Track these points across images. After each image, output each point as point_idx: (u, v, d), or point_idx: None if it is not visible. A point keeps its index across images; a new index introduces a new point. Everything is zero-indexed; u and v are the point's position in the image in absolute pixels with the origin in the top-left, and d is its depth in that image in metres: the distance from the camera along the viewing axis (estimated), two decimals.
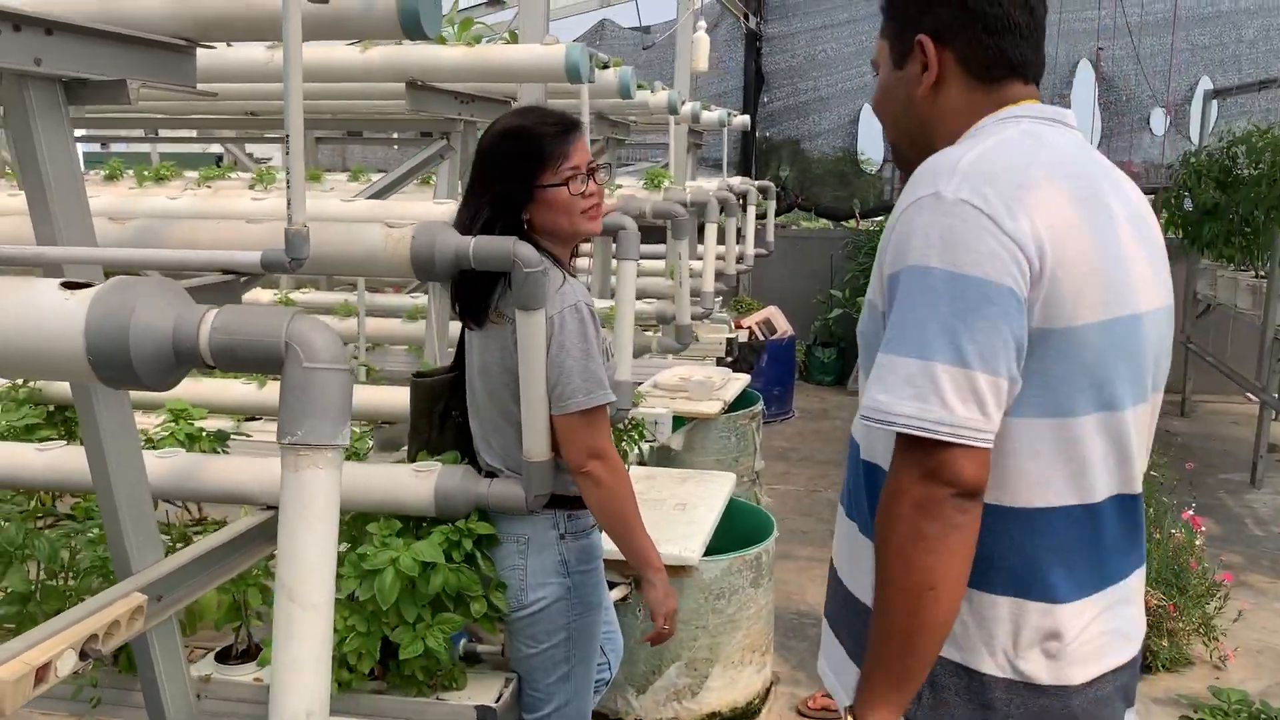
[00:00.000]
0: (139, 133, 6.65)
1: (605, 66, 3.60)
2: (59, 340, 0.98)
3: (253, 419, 4.46)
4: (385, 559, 2.02)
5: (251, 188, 3.99)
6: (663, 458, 4.81)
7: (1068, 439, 1.31)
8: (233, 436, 2.86)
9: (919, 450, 1.23)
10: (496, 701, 2.16)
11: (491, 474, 2.14)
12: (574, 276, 2.12)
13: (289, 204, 1.48)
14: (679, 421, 4.82)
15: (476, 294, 2.05)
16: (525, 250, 1.93)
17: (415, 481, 2.10)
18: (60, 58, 1.59)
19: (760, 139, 9.35)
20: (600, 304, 4.08)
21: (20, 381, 2.96)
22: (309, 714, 0.99)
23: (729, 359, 6.39)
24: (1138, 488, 1.41)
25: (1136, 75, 8.25)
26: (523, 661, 2.16)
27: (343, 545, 2.17)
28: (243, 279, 2.41)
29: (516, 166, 2.00)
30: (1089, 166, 1.37)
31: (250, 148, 7.35)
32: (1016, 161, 1.29)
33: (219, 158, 8.28)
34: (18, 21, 1.52)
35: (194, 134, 7.20)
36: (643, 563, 2.09)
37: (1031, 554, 1.33)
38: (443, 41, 2.84)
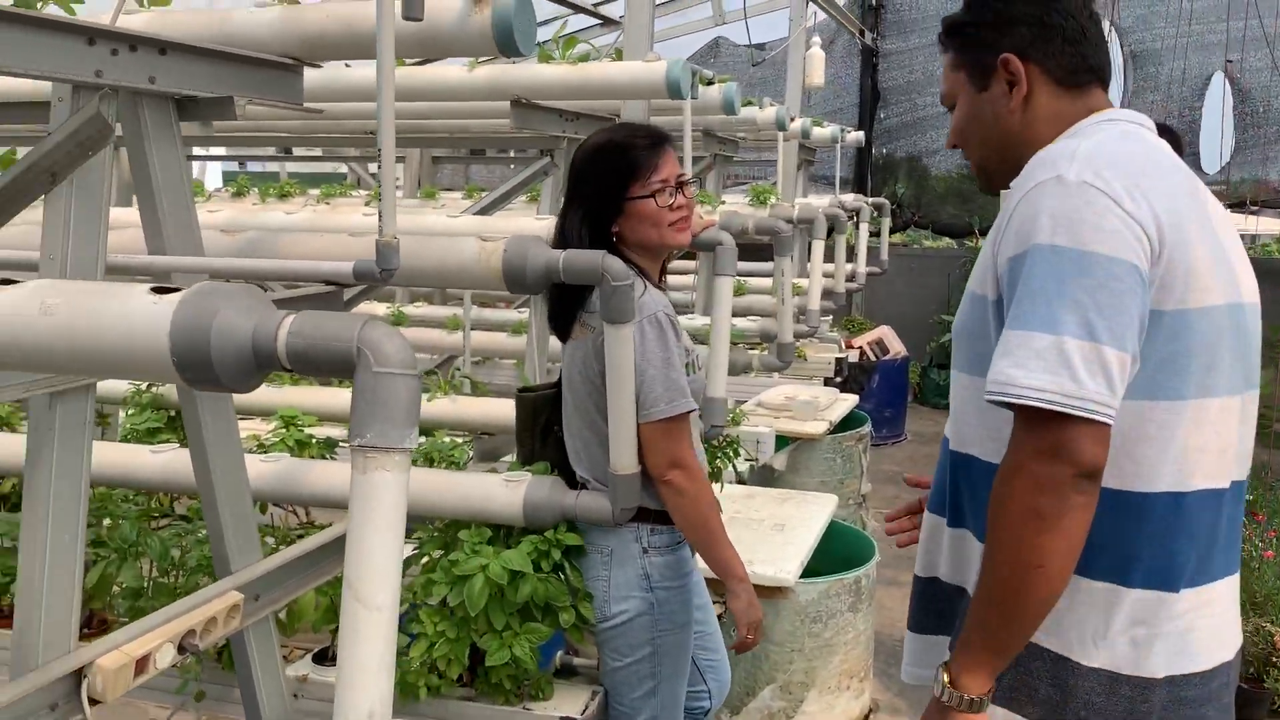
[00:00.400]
0: (271, 151, 6.96)
1: (710, 83, 3.61)
2: (147, 341, 1.03)
3: None
4: (475, 565, 2.04)
5: (367, 204, 4.12)
6: (765, 478, 4.76)
7: (1173, 423, 1.31)
8: (341, 444, 2.95)
9: (1041, 426, 1.23)
10: (581, 714, 2.16)
11: (583, 486, 2.15)
12: (662, 290, 2.12)
13: (380, 217, 1.51)
14: (782, 441, 4.77)
15: (565, 306, 2.07)
16: (614, 264, 1.94)
17: (505, 491, 2.13)
18: (173, 76, 1.67)
19: (876, 155, 9.22)
20: (701, 321, 4.07)
21: (144, 386, 3.11)
22: (371, 714, 1.00)
23: (838, 379, 6.30)
24: (1242, 479, 1.40)
25: (1275, 86, 7.86)
26: (609, 675, 2.15)
27: (437, 551, 2.21)
28: (350, 292, 2.49)
29: (606, 180, 2.02)
30: (1185, 169, 1.43)
31: (373, 166, 7.62)
32: (1131, 151, 1.36)
33: (346, 176, 8.58)
34: (134, 42, 1.60)
35: (319, 153, 7.49)
36: (726, 572, 2.07)
37: (1133, 540, 1.33)
38: (548, 59, 2.89)
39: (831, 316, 7.21)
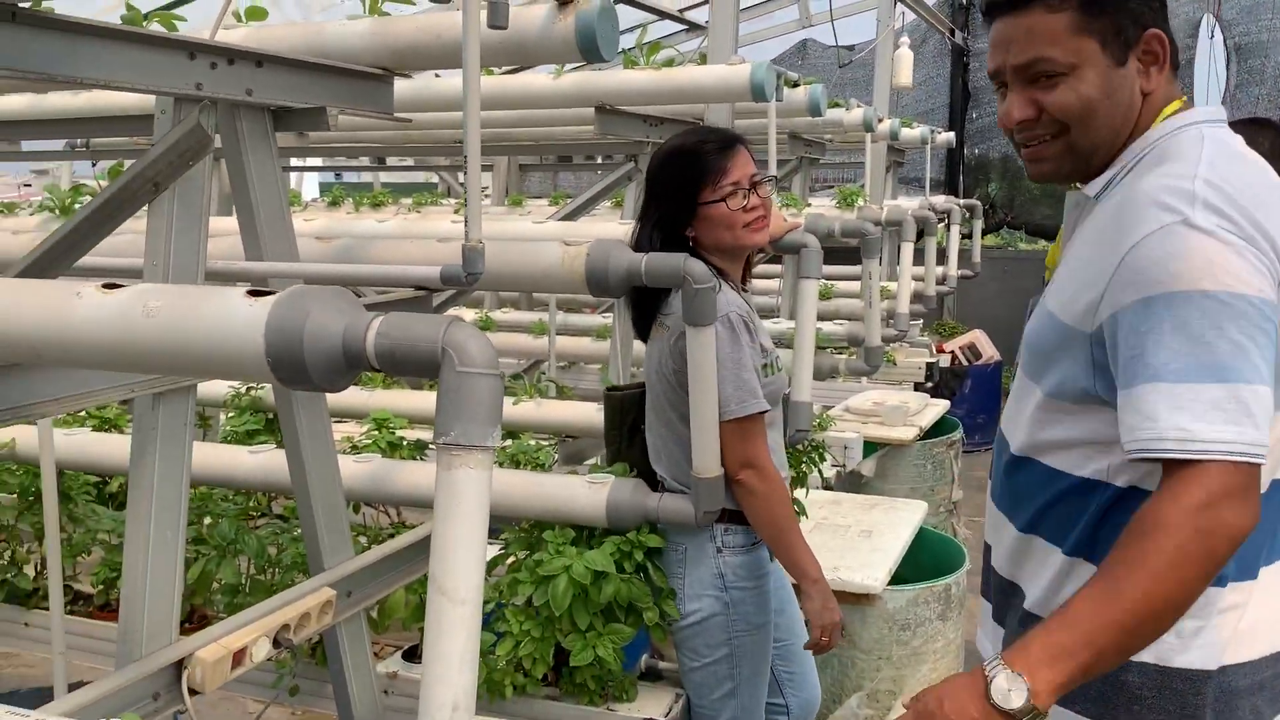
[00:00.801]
0: (365, 161, 7.14)
1: (795, 85, 3.59)
2: (243, 342, 1.06)
3: None
4: (559, 566, 2.07)
5: (455, 211, 4.19)
6: (854, 484, 4.70)
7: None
8: (430, 446, 3.00)
9: (1228, 476, 1.18)
10: (665, 716, 2.17)
11: (662, 485, 2.15)
12: (745, 292, 2.12)
13: (465, 222, 1.54)
14: (870, 447, 4.70)
15: (645, 308, 2.08)
16: (696, 266, 1.94)
17: (588, 492, 2.15)
18: (269, 88, 1.72)
19: (968, 156, 9.05)
20: (786, 324, 4.05)
21: (243, 390, 3.21)
22: (455, 707, 1.02)
23: (929, 384, 6.20)
24: None
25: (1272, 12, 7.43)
26: (688, 675, 2.15)
27: (522, 551, 2.24)
28: (439, 297, 2.54)
29: (678, 185, 2.03)
30: (1271, 174, 1.38)
31: (463, 175, 7.76)
32: (1245, 179, 1.30)
33: (436, 185, 8.75)
34: (232, 56, 1.66)
35: (411, 162, 7.65)
36: (799, 573, 2.05)
37: None
38: (632, 65, 2.91)
39: (922, 321, 7.11)
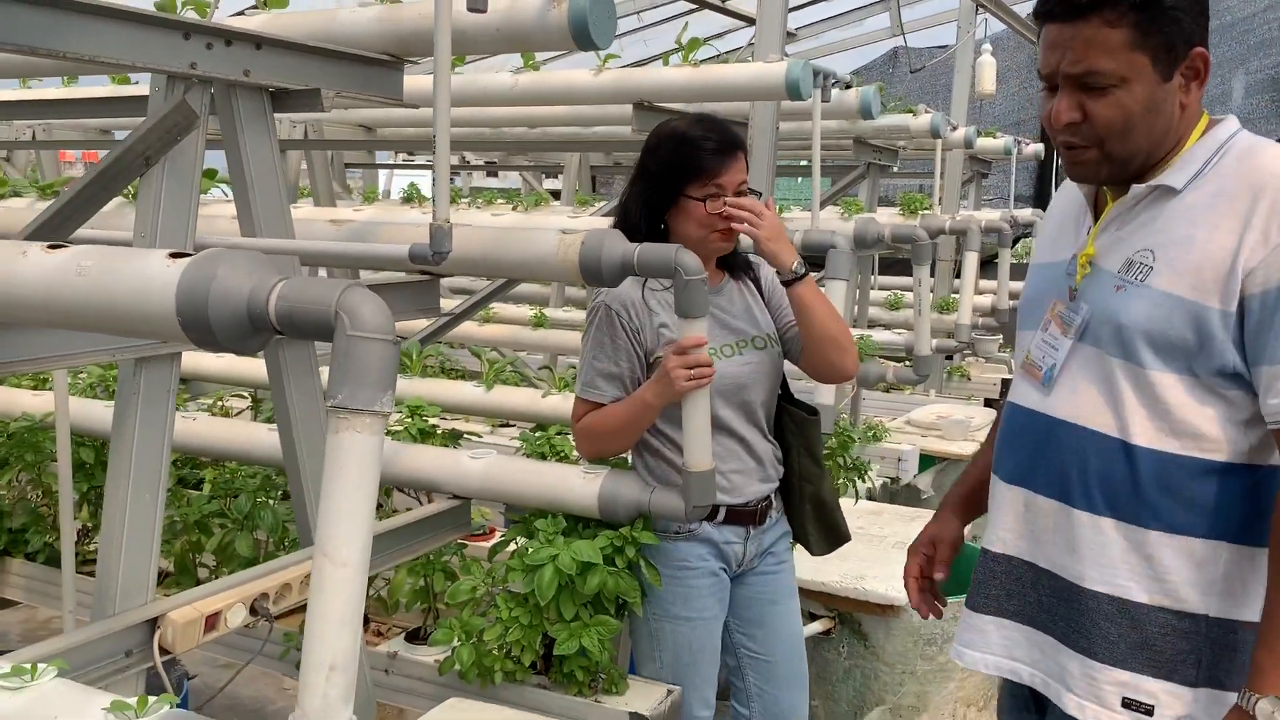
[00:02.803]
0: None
1: (848, 86, 3.54)
2: (158, 301, 1.10)
3: (507, 424, 4.75)
4: (546, 555, 2.07)
5: (514, 208, 4.23)
6: (911, 498, 4.60)
7: None
8: (466, 436, 3.04)
9: None
10: (651, 712, 2.15)
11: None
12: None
13: (434, 202, 1.56)
14: (928, 461, 4.60)
15: None
16: (688, 258, 1.93)
17: (582, 483, 2.15)
18: (267, 69, 1.77)
19: (1061, 169, 8.79)
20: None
21: None
22: (332, 667, 1.03)
23: (1001, 401, 6.02)
24: None
25: None
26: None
27: (521, 539, 2.25)
28: (477, 294, 2.56)
29: (668, 170, 2.02)
30: None
31: (558, 180, 7.86)
32: None
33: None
34: (230, 37, 1.71)
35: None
36: (642, 403, 2.04)
37: None
38: (667, 62, 2.91)
39: (1001, 336, 6.93)
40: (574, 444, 2.21)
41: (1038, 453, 1.54)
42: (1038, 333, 1.56)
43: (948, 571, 1.83)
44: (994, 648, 1.61)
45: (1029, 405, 1.56)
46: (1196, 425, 1.41)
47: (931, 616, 1.85)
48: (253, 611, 1.82)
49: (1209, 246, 1.38)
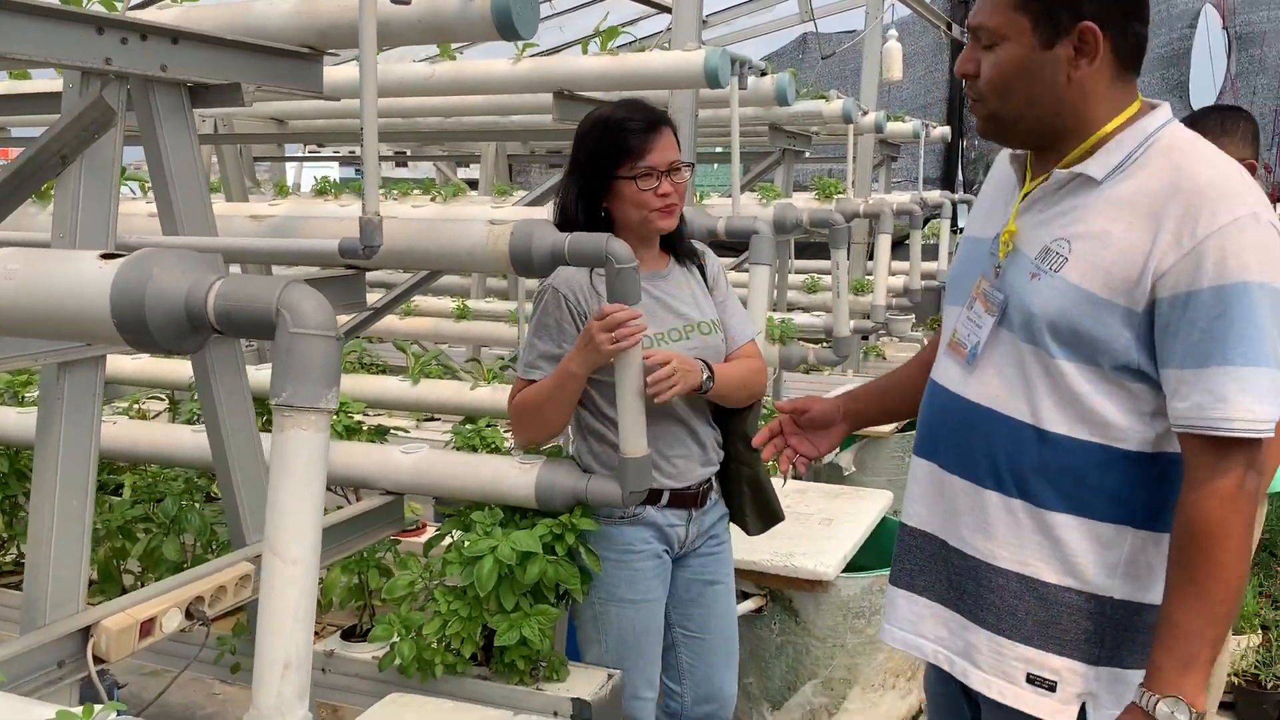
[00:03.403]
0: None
1: (764, 74, 3.59)
2: (91, 303, 1.08)
3: (432, 418, 4.72)
4: (485, 547, 2.07)
5: (432, 199, 4.20)
6: (834, 476, 4.69)
7: None
8: (392, 432, 3.02)
9: (1251, 450, 1.35)
10: (594, 696, 2.17)
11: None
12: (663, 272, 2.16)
13: (363, 195, 1.55)
14: (848, 440, 4.70)
15: None
16: (618, 246, 1.94)
17: (518, 473, 2.16)
18: (185, 64, 1.74)
19: (968, 149, 9.02)
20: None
21: None
22: (286, 665, 1.03)
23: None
24: None
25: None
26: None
27: (457, 532, 2.25)
28: (402, 286, 2.54)
29: (598, 156, 2.04)
30: None
31: (475, 168, 7.77)
32: (1247, 176, 1.42)
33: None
34: (145, 31, 1.67)
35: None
36: (566, 373, 2.04)
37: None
38: (585, 50, 2.91)
39: (915, 315, 7.08)
40: (509, 429, 2.19)
41: (953, 434, 1.56)
42: (963, 310, 1.58)
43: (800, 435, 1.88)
44: (903, 622, 1.65)
45: (950, 387, 1.58)
46: (1103, 414, 1.44)
47: (791, 472, 1.90)
48: (188, 616, 1.79)
49: (1123, 245, 1.39)
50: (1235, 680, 3.47)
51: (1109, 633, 1.48)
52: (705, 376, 2.09)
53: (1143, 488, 1.46)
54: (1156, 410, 1.43)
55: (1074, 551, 1.47)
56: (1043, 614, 1.49)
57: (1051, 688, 1.49)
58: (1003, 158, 1.65)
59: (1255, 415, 1.33)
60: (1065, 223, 1.46)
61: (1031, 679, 1.50)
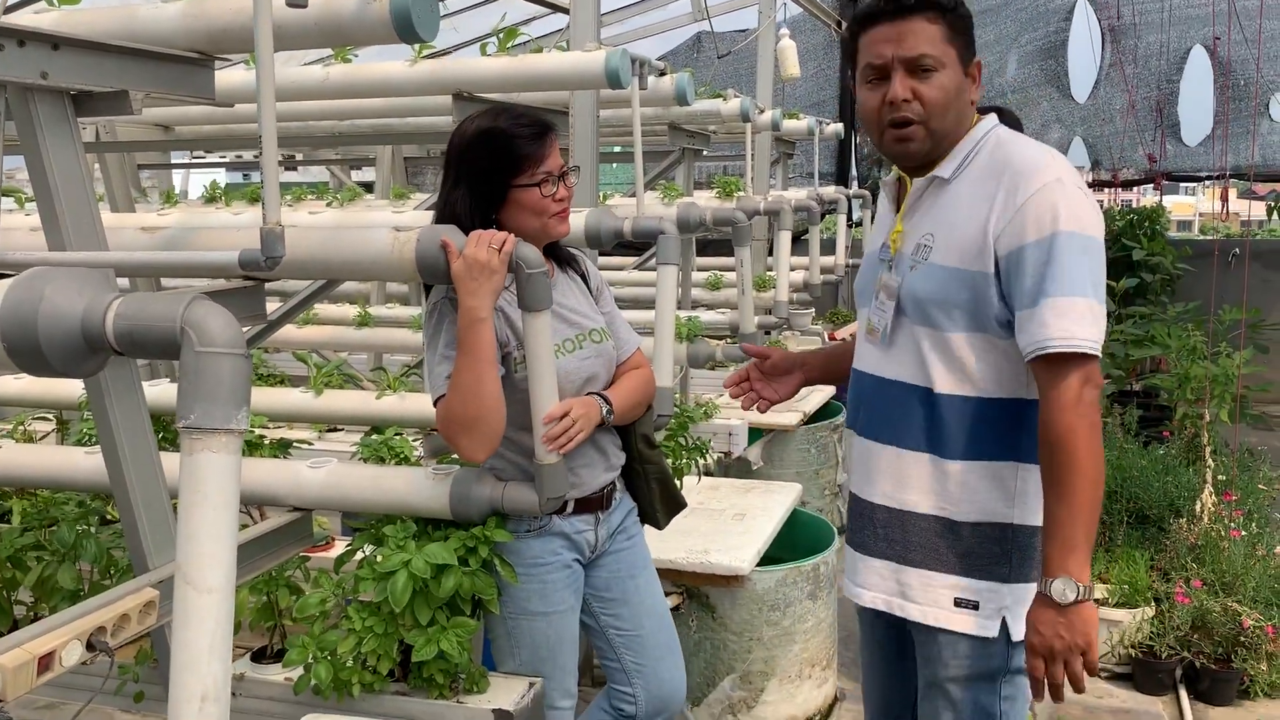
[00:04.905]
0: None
1: (663, 74, 3.59)
2: None
3: (334, 430, 4.61)
4: (398, 561, 2.03)
5: (329, 203, 4.10)
6: (743, 471, 4.74)
7: None
8: (295, 445, 2.93)
9: (1083, 364, 1.67)
10: (516, 706, 2.15)
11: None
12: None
13: (264, 204, 1.50)
14: (755, 434, 4.75)
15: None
16: (528, 251, 1.93)
17: (430, 484, 2.12)
18: (67, 71, 1.66)
19: (862, 144, 9.19)
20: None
21: None
22: (204, 697, 0.99)
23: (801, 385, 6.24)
24: None
25: (1253, 60, 7.85)
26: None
27: (369, 547, 2.20)
28: (301, 295, 2.46)
29: (491, 168, 2.00)
30: None
31: (370, 171, 7.60)
32: (1055, 154, 1.80)
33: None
34: (23, 37, 1.59)
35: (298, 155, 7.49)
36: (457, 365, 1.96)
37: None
38: (484, 52, 2.88)
39: (814, 310, 7.19)
40: (458, 453, 2.02)
41: (875, 408, 1.89)
42: (873, 302, 1.90)
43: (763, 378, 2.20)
44: (855, 577, 1.95)
45: (869, 369, 1.90)
46: (983, 373, 1.76)
47: (754, 411, 2.20)
48: (89, 647, 1.71)
49: (968, 222, 1.73)
50: (1132, 652, 3.61)
51: (1014, 554, 1.80)
52: (605, 411, 2.12)
53: (1023, 430, 1.77)
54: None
55: (977, 490, 1.79)
56: (960, 547, 1.80)
57: (975, 607, 1.80)
58: (887, 184, 1.98)
59: (1072, 334, 1.64)
60: (928, 219, 1.82)
61: (958, 602, 1.81)
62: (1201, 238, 10.71)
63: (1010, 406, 1.77)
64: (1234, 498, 4.00)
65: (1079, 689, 1.69)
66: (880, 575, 1.88)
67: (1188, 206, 13.83)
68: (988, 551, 1.80)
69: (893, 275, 1.84)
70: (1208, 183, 8.80)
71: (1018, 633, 1.78)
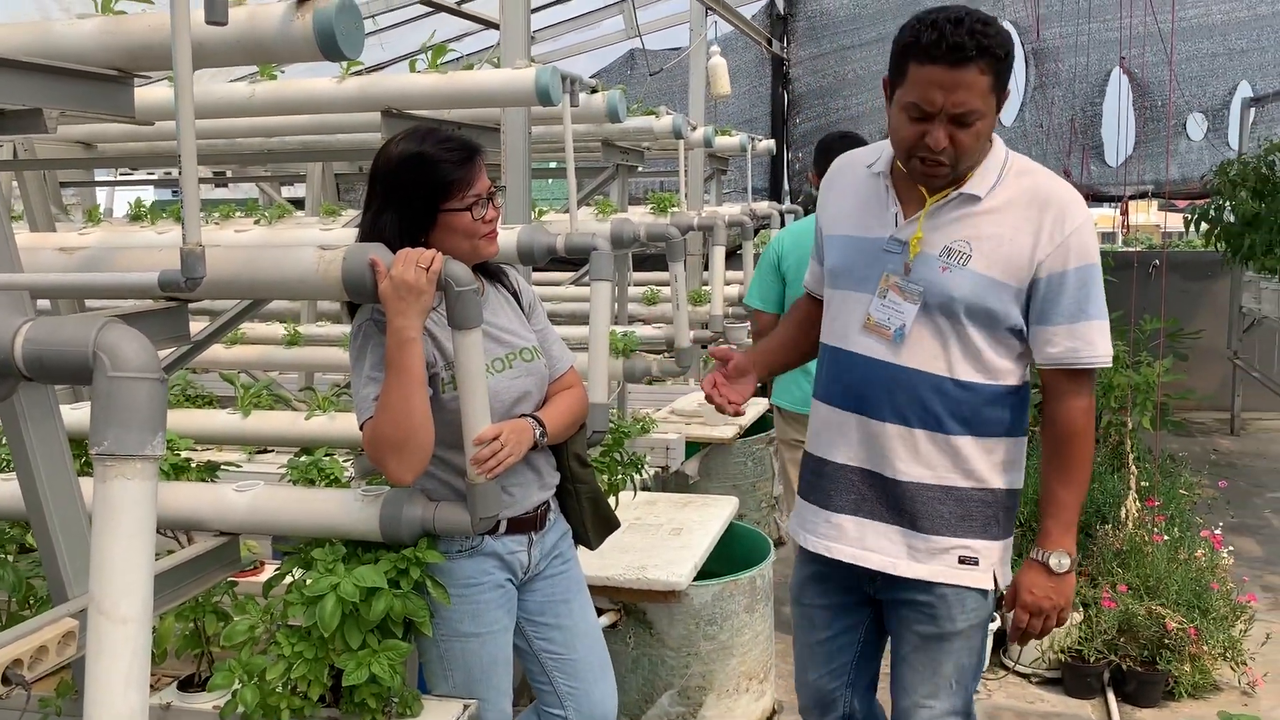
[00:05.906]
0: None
1: (594, 91, 3.60)
2: None
3: (265, 451, 4.52)
4: (326, 585, 2.00)
5: (256, 221, 4.03)
6: (681, 484, 4.75)
7: None
8: (223, 468, 2.87)
9: (1094, 376, 2.06)
10: None
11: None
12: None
13: (184, 225, 1.48)
14: (693, 447, 4.76)
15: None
16: (457, 269, 1.92)
17: (360, 506, 2.09)
18: None
19: (792, 159, 9.29)
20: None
21: None
22: None
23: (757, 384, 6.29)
24: None
25: (1167, 83, 8.11)
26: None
27: (299, 571, 2.16)
28: (228, 315, 2.41)
29: (420, 192, 1.99)
30: None
31: (300, 188, 7.50)
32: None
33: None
34: None
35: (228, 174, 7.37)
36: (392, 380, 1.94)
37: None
38: (414, 68, 2.86)
39: (748, 323, 7.24)
40: (385, 475, 2.01)
41: (884, 391, 2.06)
42: (875, 299, 2.05)
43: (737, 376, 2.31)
44: (852, 541, 2.13)
45: (878, 357, 2.06)
46: (996, 363, 2.03)
47: (730, 410, 2.28)
48: (4, 681, 1.66)
49: (1014, 244, 1.96)
50: (1061, 657, 3.68)
51: (1001, 516, 2.10)
52: (539, 434, 2.11)
53: (1013, 408, 2.07)
54: (1022, 354, 2.05)
55: (974, 461, 2.06)
56: (960, 510, 2.06)
57: (975, 562, 2.08)
58: (858, 171, 2.15)
59: (1107, 351, 2.00)
60: (960, 228, 2.00)
61: (962, 560, 2.07)
62: (1123, 249, 10.99)
63: (1013, 392, 2.06)
64: (1156, 503, 4.11)
65: (1044, 636, 2.14)
66: (886, 538, 2.10)
67: (1108, 219, 14.24)
68: (983, 514, 2.07)
69: (912, 279, 2.01)
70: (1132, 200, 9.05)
71: (1002, 584, 2.11)
